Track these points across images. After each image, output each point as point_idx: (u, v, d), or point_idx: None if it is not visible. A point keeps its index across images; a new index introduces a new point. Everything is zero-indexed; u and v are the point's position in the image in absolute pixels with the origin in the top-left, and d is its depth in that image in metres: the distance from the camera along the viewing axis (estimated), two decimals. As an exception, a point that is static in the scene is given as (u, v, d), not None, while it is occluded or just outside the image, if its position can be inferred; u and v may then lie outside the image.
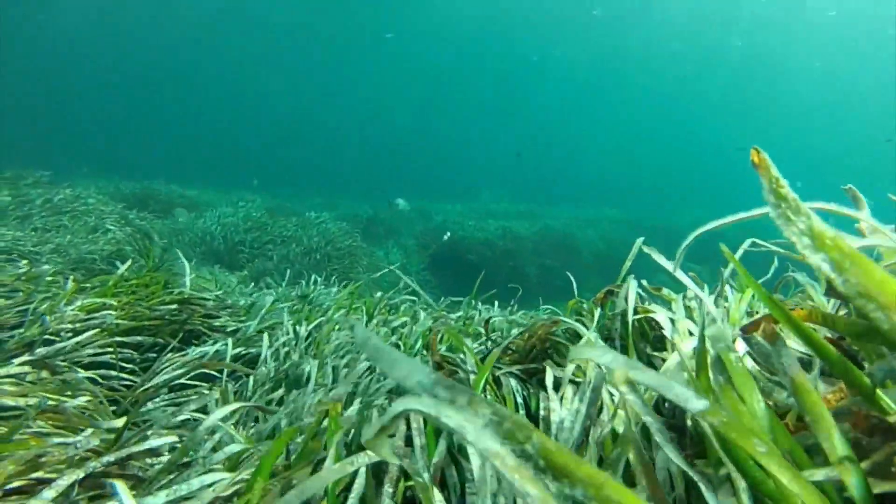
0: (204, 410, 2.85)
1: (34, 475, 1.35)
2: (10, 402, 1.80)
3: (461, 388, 0.71)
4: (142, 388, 2.99)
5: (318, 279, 6.36)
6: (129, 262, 4.42)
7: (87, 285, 3.98)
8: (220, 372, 3.21)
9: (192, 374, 3.13)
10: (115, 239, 8.84)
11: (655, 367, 2.00)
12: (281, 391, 3.05)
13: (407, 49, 53.27)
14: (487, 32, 48.73)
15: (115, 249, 8.47)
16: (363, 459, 1.25)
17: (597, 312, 2.75)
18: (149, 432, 1.62)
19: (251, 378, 3.14)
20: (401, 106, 71.02)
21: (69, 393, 2.41)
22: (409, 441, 1.53)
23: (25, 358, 2.45)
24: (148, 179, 15.10)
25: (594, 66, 56.47)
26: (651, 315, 2.24)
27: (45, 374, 2.55)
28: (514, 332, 2.73)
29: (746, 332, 1.41)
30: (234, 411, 2.38)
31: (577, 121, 74.71)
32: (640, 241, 2.91)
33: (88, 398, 2.15)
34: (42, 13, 43.77)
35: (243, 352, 3.45)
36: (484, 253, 14.33)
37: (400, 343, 3.57)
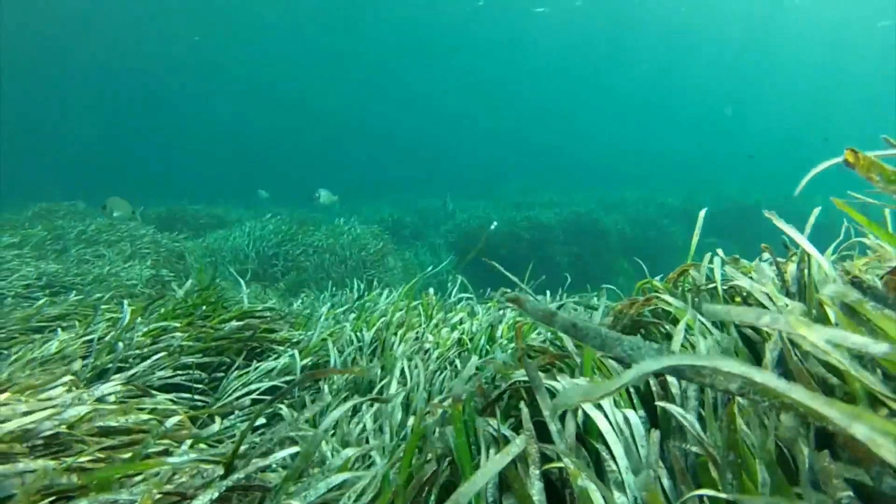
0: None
1: (170, 491, 1.34)
2: (114, 423, 1.80)
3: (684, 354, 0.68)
4: (219, 405, 3.00)
5: (360, 285, 6.37)
6: (188, 283, 4.45)
7: (147, 308, 4.00)
8: (289, 384, 3.21)
9: (262, 388, 3.14)
10: (154, 262, 8.94)
11: (751, 340, 1.96)
12: (356, 397, 3.05)
13: (421, 47, 53.18)
14: (501, 27, 48.44)
15: (153, 273, 8.57)
16: (514, 449, 1.23)
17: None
18: (270, 441, 1.61)
19: (325, 386, 3.13)
20: (417, 106, 70.95)
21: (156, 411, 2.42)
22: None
23: (116, 384, 2.45)
24: (174, 201, 15.28)
25: (610, 49, 55.88)
26: (734, 284, 2.22)
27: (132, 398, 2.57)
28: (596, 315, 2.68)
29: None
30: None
31: (594, 105, 74.20)
32: (702, 212, 2.87)
33: (181, 417, 2.15)
34: (58, 40, 44.41)
35: (310, 362, 3.45)
36: (513, 246, 14.28)
37: (465, 338, 3.54)
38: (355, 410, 2.92)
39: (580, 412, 1.52)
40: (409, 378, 2.95)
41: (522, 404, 1.52)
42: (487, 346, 3.60)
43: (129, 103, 61.37)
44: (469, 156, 67.14)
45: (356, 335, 3.69)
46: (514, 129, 71.98)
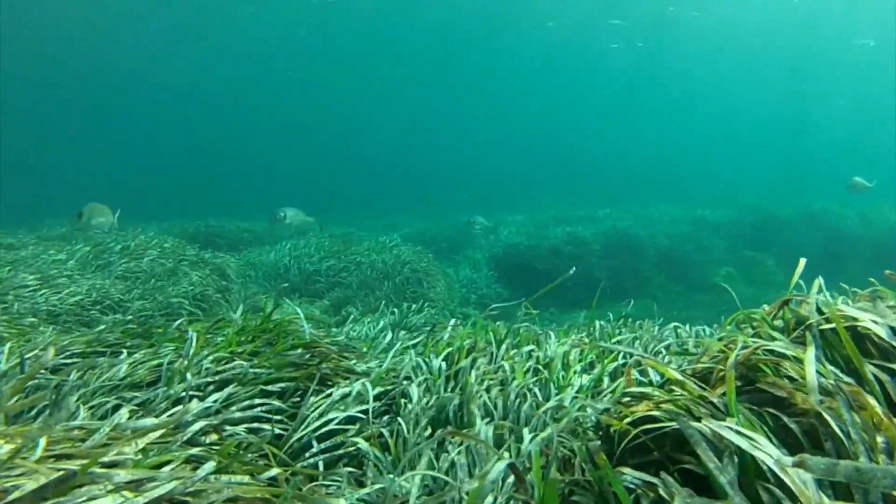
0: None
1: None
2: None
3: None
4: (296, 439, 2.94)
5: (412, 306, 6.34)
6: (240, 309, 4.43)
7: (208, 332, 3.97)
8: (365, 413, 3.14)
9: (339, 418, 3.07)
10: (198, 280, 8.98)
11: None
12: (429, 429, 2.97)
13: (456, 65, 53.35)
14: (540, 39, 48.24)
15: (199, 291, 8.62)
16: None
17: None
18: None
19: (400, 419, 3.05)
20: (451, 120, 70.91)
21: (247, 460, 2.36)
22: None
23: (203, 423, 2.40)
24: (212, 218, 15.45)
25: (641, 64, 55.51)
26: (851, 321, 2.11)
27: (214, 436, 2.51)
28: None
29: None
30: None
31: (629, 120, 73.49)
32: (802, 261, 2.75)
33: (279, 470, 2.08)
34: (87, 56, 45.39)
35: (379, 391, 3.38)
36: (551, 260, 14.15)
37: (540, 367, 3.46)
38: (440, 443, 2.84)
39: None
40: (494, 413, 2.87)
41: (669, 479, 1.44)
42: (563, 372, 3.52)
43: (166, 119, 62.27)
44: (505, 171, 66.94)
45: (424, 361, 3.64)
46: (552, 144, 71.75)
